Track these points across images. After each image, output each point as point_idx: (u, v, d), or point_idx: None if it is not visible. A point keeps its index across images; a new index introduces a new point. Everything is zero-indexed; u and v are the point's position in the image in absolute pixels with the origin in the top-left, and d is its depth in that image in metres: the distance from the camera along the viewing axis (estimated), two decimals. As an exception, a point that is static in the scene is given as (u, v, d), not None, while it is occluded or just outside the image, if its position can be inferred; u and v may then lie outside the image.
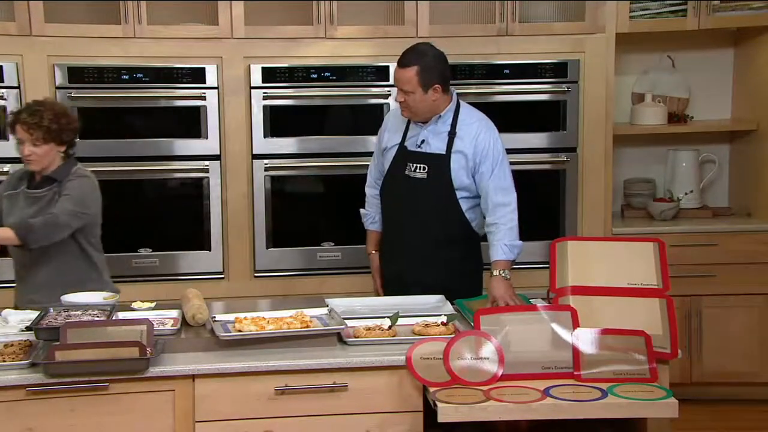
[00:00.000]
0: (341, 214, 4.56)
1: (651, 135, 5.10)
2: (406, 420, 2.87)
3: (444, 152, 3.56)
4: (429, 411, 2.81)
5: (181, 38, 4.36)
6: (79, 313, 3.14)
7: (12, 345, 2.90)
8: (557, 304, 3.01)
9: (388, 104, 4.50)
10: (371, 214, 3.85)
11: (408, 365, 2.82)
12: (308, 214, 4.63)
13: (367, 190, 3.87)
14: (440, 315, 3.16)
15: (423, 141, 3.59)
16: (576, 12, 4.66)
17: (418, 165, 3.58)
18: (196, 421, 2.81)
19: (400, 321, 3.07)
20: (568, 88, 4.61)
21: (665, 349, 2.89)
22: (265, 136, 4.46)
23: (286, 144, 4.49)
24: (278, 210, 4.52)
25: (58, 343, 2.79)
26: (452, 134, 3.56)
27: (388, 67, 4.47)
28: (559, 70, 4.60)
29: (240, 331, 2.96)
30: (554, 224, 4.68)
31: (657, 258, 3.05)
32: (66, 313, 3.14)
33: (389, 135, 3.72)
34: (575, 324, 2.89)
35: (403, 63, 3.49)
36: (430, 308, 3.34)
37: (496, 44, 4.57)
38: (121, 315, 3.17)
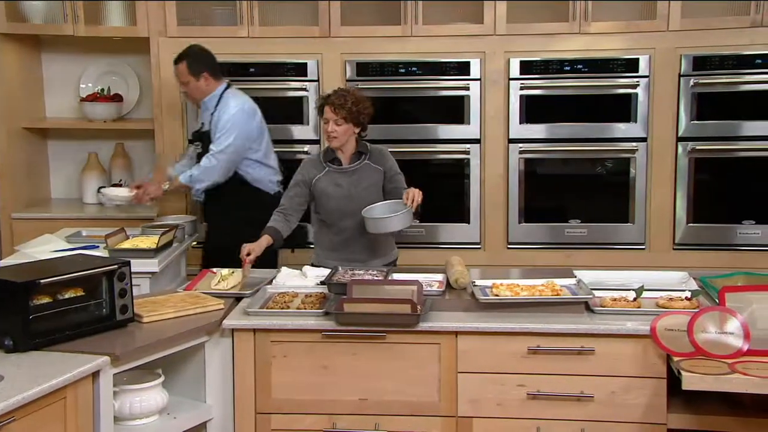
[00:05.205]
0: (585, 194, 4.49)
1: None
2: (650, 385, 2.79)
3: (208, 129, 4.13)
4: (671, 379, 2.71)
5: (450, 36, 4.42)
6: (362, 272, 3.31)
7: (311, 296, 3.12)
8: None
9: (636, 93, 4.33)
10: None
11: (652, 335, 2.73)
12: (556, 194, 4.56)
13: None
14: (684, 290, 3.02)
15: (202, 123, 4.19)
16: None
17: (197, 143, 4.22)
18: (459, 372, 2.88)
19: (645, 294, 2.97)
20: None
21: None
22: (520, 123, 4.43)
23: (539, 130, 4.44)
24: (530, 189, 4.48)
25: (345, 296, 2.96)
26: (212, 113, 4.11)
27: (638, 59, 4.30)
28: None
29: (497, 295, 2.99)
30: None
31: None
32: (352, 271, 3.31)
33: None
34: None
35: (175, 61, 4.10)
36: (674, 283, 3.20)
37: (749, 36, 4.26)
38: (395, 276, 3.28)
